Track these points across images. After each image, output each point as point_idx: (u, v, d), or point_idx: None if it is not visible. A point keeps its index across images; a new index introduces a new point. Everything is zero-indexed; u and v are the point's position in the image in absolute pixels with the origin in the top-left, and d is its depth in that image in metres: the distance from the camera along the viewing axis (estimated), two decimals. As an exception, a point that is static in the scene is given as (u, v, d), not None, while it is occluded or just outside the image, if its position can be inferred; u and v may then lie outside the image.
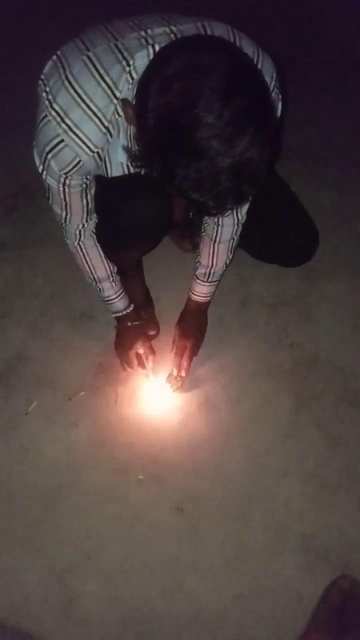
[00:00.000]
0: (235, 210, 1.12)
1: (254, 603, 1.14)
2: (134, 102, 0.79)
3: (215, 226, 1.16)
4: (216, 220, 1.14)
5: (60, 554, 1.17)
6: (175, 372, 1.36)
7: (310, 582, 1.16)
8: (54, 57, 0.88)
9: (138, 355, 1.33)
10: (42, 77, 0.88)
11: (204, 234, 1.21)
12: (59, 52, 0.88)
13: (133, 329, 1.31)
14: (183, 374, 1.35)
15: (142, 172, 0.95)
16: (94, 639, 1.10)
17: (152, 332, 1.45)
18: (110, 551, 1.18)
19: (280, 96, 0.94)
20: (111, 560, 1.17)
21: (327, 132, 1.93)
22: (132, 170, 0.95)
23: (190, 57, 0.67)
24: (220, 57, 0.67)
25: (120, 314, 1.28)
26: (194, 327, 1.37)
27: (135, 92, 0.78)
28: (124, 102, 0.81)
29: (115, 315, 1.29)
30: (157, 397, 1.36)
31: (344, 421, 1.35)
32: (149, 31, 0.84)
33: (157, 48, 0.81)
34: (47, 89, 0.85)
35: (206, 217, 1.18)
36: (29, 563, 1.16)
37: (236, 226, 1.16)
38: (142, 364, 1.34)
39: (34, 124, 0.89)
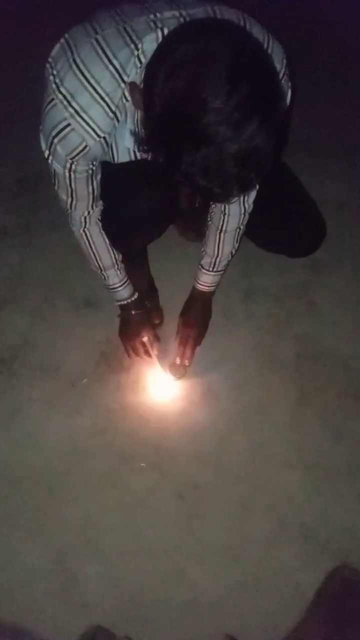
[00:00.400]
0: (241, 200, 1.11)
1: (253, 591, 1.15)
2: (141, 86, 0.78)
3: (222, 215, 1.15)
4: (223, 209, 1.14)
5: (61, 538, 1.18)
6: (178, 361, 1.36)
7: (310, 572, 1.16)
8: (62, 40, 0.87)
9: (142, 343, 1.33)
10: (50, 60, 0.87)
11: (210, 222, 1.20)
12: (66, 35, 0.87)
13: (137, 317, 1.31)
14: (186, 363, 1.35)
15: (149, 158, 0.95)
16: (92, 622, 1.11)
17: (156, 321, 1.45)
18: (111, 537, 1.19)
19: (289, 83, 0.93)
20: (112, 546, 1.18)
21: (334, 125, 1.91)
22: (138, 156, 0.94)
23: (198, 41, 0.66)
24: (228, 42, 0.66)
25: (125, 302, 1.28)
26: (198, 316, 1.37)
27: (143, 76, 0.77)
28: (132, 85, 0.80)
29: (119, 303, 1.29)
30: (160, 385, 1.36)
31: (347, 414, 1.35)
32: (158, 15, 0.83)
33: (166, 32, 0.80)
34: (54, 72, 0.84)
35: (212, 207, 1.17)
36: (31, 546, 1.17)
37: (243, 216, 1.15)
38: (146, 352, 1.34)
39: (40, 109, 0.89)
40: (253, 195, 1.11)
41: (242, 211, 1.14)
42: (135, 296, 1.29)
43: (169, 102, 0.66)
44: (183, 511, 1.22)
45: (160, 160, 0.69)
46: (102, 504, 1.22)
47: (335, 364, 1.42)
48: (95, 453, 1.27)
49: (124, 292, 1.26)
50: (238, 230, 1.19)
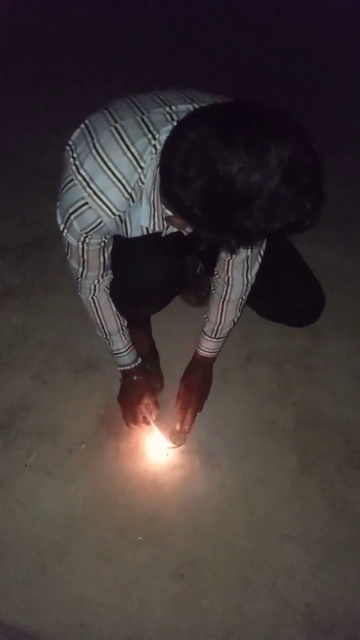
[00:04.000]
0: (244, 271, 1.15)
1: None
2: (157, 174, 0.83)
3: (225, 285, 1.19)
4: (226, 280, 1.17)
5: (52, 620, 1.11)
6: (178, 427, 1.34)
7: (315, 660, 1.10)
8: (82, 125, 0.93)
9: (142, 410, 1.32)
10: (70, 143, 0.92)
11: (213, 292, 1.24)
12: (87, 121, 0.93)
13: (139, 383, 1.31)
14: (186, 430, 1.34)
15: (164, 234, 0.99)
16: None
17: (157, 385, 1.45)
18: (106, 618, 1.12)
19: None
20: (105, 628, 1.11)
21: (328, 194, 2.01)
22: (150, 231, 0.98)
23: (183, 139, 0.71)
24: (206, 118, 0.72)
25: (128, 367, 1.28)
26: (199, 382, 1.37)
27: (160, 189, 0.83)
28: (169, 218, 0.87)
29: (122, 368, 1.29)
30: (159, 453, 1.34)
31: (349, 484, 1.32)
32: (173, 107, 0.90)
33: None
34: (75, 155, 0.89)
35: (216, 277, 1.20)
36: (20, 628, 1.10)
37: (245, 287, 1.19)
38: (145, 419, 1.32)
39: (58, 180, 0.93)
40: (256, 267, 1.15)
41: (245, 282, 1.18)
42: (139, 362, 1.29)
43: (203, 200, 0.70)
44: (182, 590, 1.16)
45: (233, 243, 0.74)
46: (97, 582, 1.16)
47: (335, 432, 1.42)
48: (91, 524, 1.23)
49: (128, 358, 1.26)
50: (240, 300, 1.23)
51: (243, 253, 1.09)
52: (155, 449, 1.34)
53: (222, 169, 0.67)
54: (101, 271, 1.06)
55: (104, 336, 1.21)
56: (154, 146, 0.85)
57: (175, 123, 0.86)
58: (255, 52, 2.65)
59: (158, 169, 0.81)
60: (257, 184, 0.67)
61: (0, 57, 2.71)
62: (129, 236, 0.98)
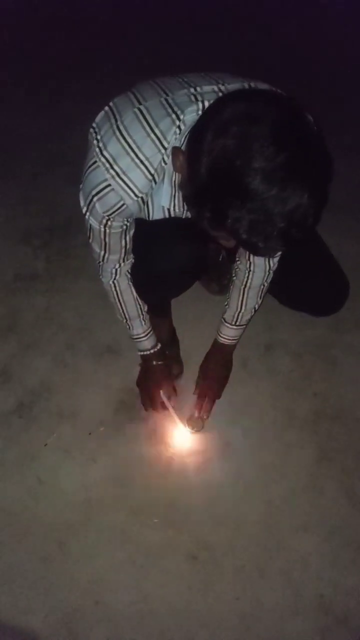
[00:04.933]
0: (267, 258, 1.13)
1: (266, 667, 1.08)
2: (184, 149, 0.82)
3: (247, 272, 1.18)
4: (248, 266, 1.16)
5: (68, 597, 1.14)
6: (196, 414, 1.35)
7: (328, 649, 1.09)
8: (106, 107, 0.93)
9: (160, 395, 1.33)
10: (94, 125, 0.92)
11: (234, 278, 1.23)
12: (111, 104, 0.93)
13: (158, 368, 1.32)
14: (205, 416, 1.34)
15: (184, 216, 0.98)
16: None
17: (176, 372, 1.45)
18: (120, 597, 1.14)
19: None
20: (120, 607, 1.13)
21: (353, 185, 1.97)
22: (172, 214, 0.98)
23: (245, 105, 0.70)
24: (273, 106, 0.70)
25: (147, 352, 1.29)
26: (218, 369, 1.37)
27: (187, 138, 0.81)
28: (175, 150, 0.83)
29: (141, 353, 1.30)
30: (177, 438, 1.34)
31: (367, 477, 1.31)
32: (198, 89, 0.89)
33: (206, 104, 0.85)
34: (98, 137, 0.89)
35: (237, 263, 1.20)
36: (37, 604, 1.13)
37: (267, 273, 1.18)
38: (163, 404, 1.33)
39: (80, 166, 0.94)
40: (279, 253, 1.13)
41: (267, 269, 1.17)
42: (158, 347, 1.30)
43: (217, 159, 0.68)
44: (195, 573, 1.17)
45: (207, 215, 0.71)
46: (113, 561, 1.18)
47: (354, 424, 1.40)
48: (108, 505, 1.24)
49: (147, 343, 1.27)
50: (262, 286, 1.21)
51: None
52: (173, 434, 1.35)
53: (253, 154, 0.65)
54: (122, 255, 1.07)
55: (124, 320, 1.22)
56: (178, 127, 0.85)
57: (200, 104, 0.85)
58: (255, 52, 2.61)
59: (210, 104, 0.79)
60: (263, 194, 0.66)
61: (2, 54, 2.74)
62: (150, 219, 0.98)
